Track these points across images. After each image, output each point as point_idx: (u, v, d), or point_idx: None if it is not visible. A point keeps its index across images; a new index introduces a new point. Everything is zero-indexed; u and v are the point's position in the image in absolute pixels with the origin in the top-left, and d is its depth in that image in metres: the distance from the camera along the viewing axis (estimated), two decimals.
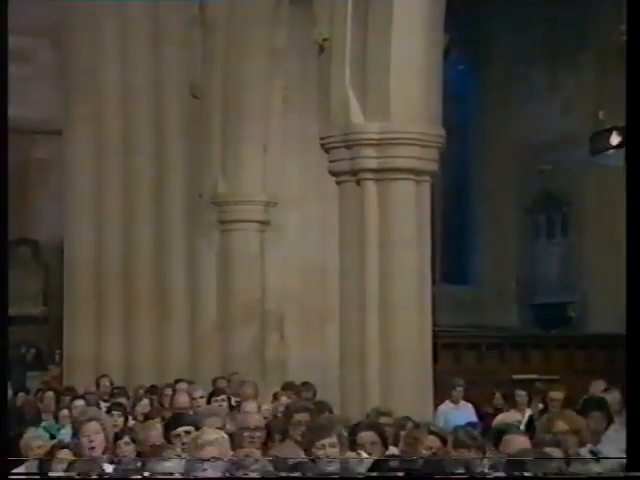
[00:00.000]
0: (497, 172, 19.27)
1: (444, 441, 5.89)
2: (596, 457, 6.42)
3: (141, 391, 10.94)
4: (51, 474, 5.65)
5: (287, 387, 10.84)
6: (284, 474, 4.49)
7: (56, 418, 10.13)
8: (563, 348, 17.24)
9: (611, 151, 13.55)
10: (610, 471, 5.41)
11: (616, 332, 16.58)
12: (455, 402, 12.55)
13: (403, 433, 6.87)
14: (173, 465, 4.71)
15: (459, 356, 16.53)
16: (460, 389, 12.66)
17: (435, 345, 10.11)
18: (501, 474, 2.83)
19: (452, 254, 19.46)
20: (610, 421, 8.13)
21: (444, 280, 18.51)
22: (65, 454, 6.45)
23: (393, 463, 4.21)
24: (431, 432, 6.04)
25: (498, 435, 6.09)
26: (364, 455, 5.35)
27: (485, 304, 19.43)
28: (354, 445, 6.04)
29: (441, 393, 11.99)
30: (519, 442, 5.62)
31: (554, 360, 16.75)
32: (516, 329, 18.91)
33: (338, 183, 9.25)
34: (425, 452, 5.60)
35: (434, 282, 10.54)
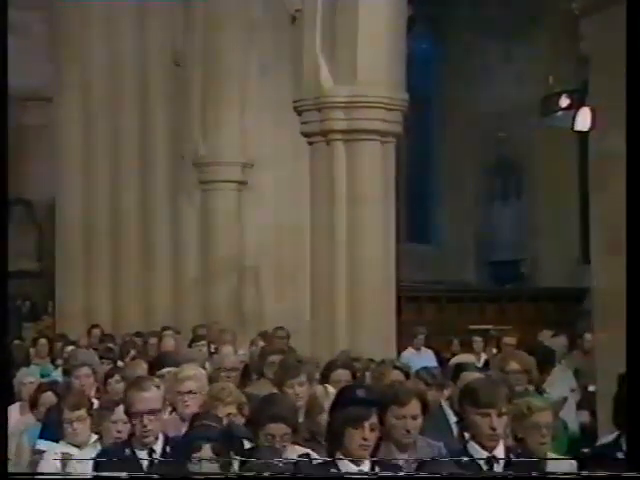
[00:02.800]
0: (457, 139, 19.24)
1: (407, 375, 5.89)
2: (541, 393, 6.46)
3: (128, 338, 10.90)
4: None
5: (262, 335, 10.84)
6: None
7: (52, 362, 10.11)
8: (516, 301, 17.36)
9: (560, 113, 13.52)
10: (549, 405, 5.40)
11: (563, 286, 16.82)
12: (417, 349, 12.61)
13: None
14: (151, 395, 4.65)
15: (421, 308, 16.60)
16: (422, 337, 12.73)
17: (399, 298, 10.14)
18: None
19: (415, 215, 19.46)
20: (554, 365, 8.21)
21: (408, 239, 18.52)
22: (49, 397, 6.42)
23: (360, 392, 4.19)
24: (395, 367, 6.04)
25: (456, 372, 6.11)
26: (331, 389, 5.32)
27: (445, 261, 19.47)
28: (326, 381, 6.01)
29: (405, 342, 12.04)
30: (475, 378, 5.64)
31: (507, 312, 16.86)
32: (473, 284, 18.98)
33: (309, 144, 9.22)
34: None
35: (399, 241, 10.56)
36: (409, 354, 12.23)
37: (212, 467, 4.07)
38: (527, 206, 18.87)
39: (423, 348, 12.65)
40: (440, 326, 14.79)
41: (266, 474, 3.54)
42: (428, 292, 17.23)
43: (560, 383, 7.98)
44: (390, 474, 3.06)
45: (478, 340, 11.70)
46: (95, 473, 4.50)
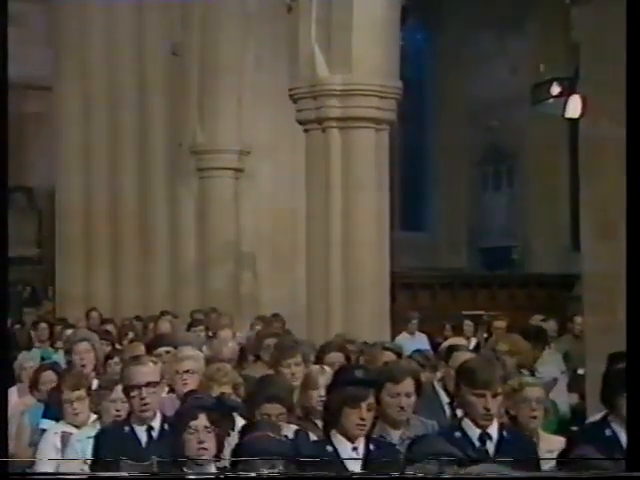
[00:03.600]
0: (450, 128, 19.23)
1: (399, 355, 5.91)
2: (532, 373, 6.49)
3: (127, 321, 10.90)
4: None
5: (260, 319, 10.85)
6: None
7: (52, 345, 10.10)
8: (507, 287, 17.36)
9: (551, 100, 13.46)
10: (545, 385, 5.43)
11: (553, 272, 16.84)
12: (411, 333, 12.63)
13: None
14: (149, 369, 4.66)
15: (415, 295, 16.59)
16: (415, 321, 12.75)
17: (393, 285, 10.13)
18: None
19: (409, 203, 19.46)
20: (546, 345, 8.24)
21: (402, 227, 18.52)
22: (49, 375, 6.42)
23: (358, 372, 4.20)
24: (385, 348, 6.07)
25: (448, 353, 6.13)
26: (327, 369, 5.34)
27: (438, 248, 19.49)
28: (321, 363, 6.02)
29: (399, 327, 12.05)
30: (467, 358, 5.65)
31: (499, 298, 16.86)
32: (465, 270, 18.99)
33: (305, 131, 9.21)
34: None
35: (393, 228, 10.55)
36: (403, 338, 12.23)
37: (210, 468, 4.08)
38: (518, 194, 18.88)
39: (417, 332, 12.67)
40: (433, 312, 14.79)
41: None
42: (421, 279, 17.24)
43: (550, 366, 8.01)
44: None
45: (469, 324, 11.73)
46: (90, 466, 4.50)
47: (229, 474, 3.64)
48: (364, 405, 4.11)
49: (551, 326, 10.25)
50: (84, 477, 4.15)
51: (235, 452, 3.83)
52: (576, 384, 8.02)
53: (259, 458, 3.53)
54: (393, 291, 10.16)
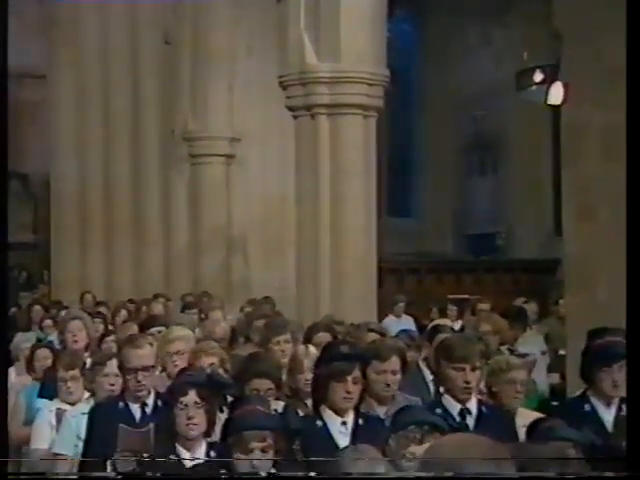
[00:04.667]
0: (437, 117, 19.23)
1: (383, 336, 5.93)
2: (513, 352, 6.53)
3: (120, 303, 10.89)
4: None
5: (250, 302, 10.85)
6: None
7: (41, 328, 10.08)
8: (491, 272, 17.41)
9: (534, 87, 13.45)
10: (524, 364, 5.44)
11: (537, 257, 16.89)
12: (397, 316, 12.64)
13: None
14: (145, 352, 4.67)
15: (402, 279, 16.63)
16: (402, 304, 12.76)
17: (380, 270, 10.15)
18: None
19: (396, 190, 19.48)
20: (527, 326, 8.28)
21: (389, 213, 18.54)
22: (43, 352, 6.42)
23: (343, 347, 4.23)
24: (370, 330, 6.10)
25: (432, 333, 6.16)
26: (312, 349, 5.36)
27: (425, 234, 19.51)
28: (309, 343, 6.03)
29: (386, 310, 12.08)
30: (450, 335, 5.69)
31: (484, 282, 16.91)
32: (451, 256, 19.03)
33: (294, 117, 9.20)
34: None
35: (380, 215, 10.55)
36: (390, 321, 12.25)
37: (200, 444, 4.08)
38: (503, 181, 18.91)
39: (403, 315, 12.68)
40: (420, 296, 14.82)
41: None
42: (408, 264, 17.27)
43: (531, 346, 8.05)
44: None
45: (453, 308, 11.77)
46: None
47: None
48: (350, 378, 4.14)
49: (532, 308, 10.28)
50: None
51: (225, 426, 3.84)
52: (557, 364, 8.07)
53: (249, 429, 3.54)
54: (380, 276, 10.18)
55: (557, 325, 9.88)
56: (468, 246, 19.34)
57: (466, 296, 14.04)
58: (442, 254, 18.76)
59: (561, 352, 7.91)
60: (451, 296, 14.60)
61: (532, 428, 3.61)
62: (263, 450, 3.57)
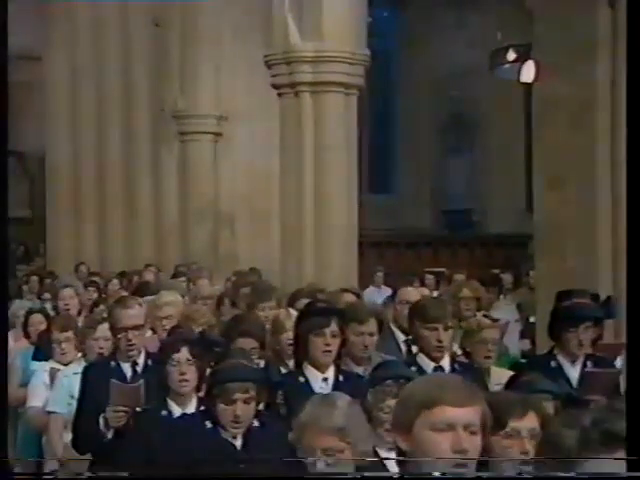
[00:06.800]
0: (415, 97, 19.19)
1: (357, 295, 5.97)
2: (489, 318, 6.55)
3: (112, 274, 10.89)
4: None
5: (236, 273, 10.84)
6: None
7: (39, 298, 10.04)
8: (467, 246, 17.49)
9: (507, 66, 13.42)
10: (496, 325, 5.46)
11: (510, 232, 16.96)
12: (377, 286, 12.69)
13: None
14: (135, 312, 4.66)
15: (381, 253, 16.68)
16: (380, 274, 12.82)
17: (361, 244, 10.15)
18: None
19: (377, 167, 19.47)
20: (502, 293, 8.33)
21: (370, 190, 18.52)
22: (37, 317, 6.41)
23: (320, 304, 4.25)
24: (344, 290, 6.14)
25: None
26: (293, 312, 5.37)
27: (404, 210, 19.52)
28: (292, 308, 6.04)
29: (366, 282, 12.10)
30: (412, 293, 5.76)
31: (460, 256, 16.98)
32: (429, 231, 19.07)
33: (279, 95, 9.19)
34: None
35: (361, 190, 10.53)
36: (370, 292, 12.30)
37: (191, 398, 4.06)
38: (479, 158, 18.93)
39: (383, 286, 12.72)
40: (399, 269, 14.85)
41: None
42: (388, 238, 17.31)
43: (504, 313, 8.11)
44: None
45: (431, 277, 11.85)
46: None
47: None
48: (328, 331, 4.16)
49: (507, 278, 10.36)
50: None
51: (209, 378, 3.85)
52: (528, 331, 8.13)
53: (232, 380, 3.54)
54: (361, 249, 10.19)
55: (528, 294, 9.96)
56: (445, 221, 19.38)
57: (443, 269, 14.09)
58: (420, 229, 18.80)
59: (532, 320, 7.98)
60: (428, 269, 14.65)
61: (511, 382, 3.63)
62: (245, 401, 3.58)
